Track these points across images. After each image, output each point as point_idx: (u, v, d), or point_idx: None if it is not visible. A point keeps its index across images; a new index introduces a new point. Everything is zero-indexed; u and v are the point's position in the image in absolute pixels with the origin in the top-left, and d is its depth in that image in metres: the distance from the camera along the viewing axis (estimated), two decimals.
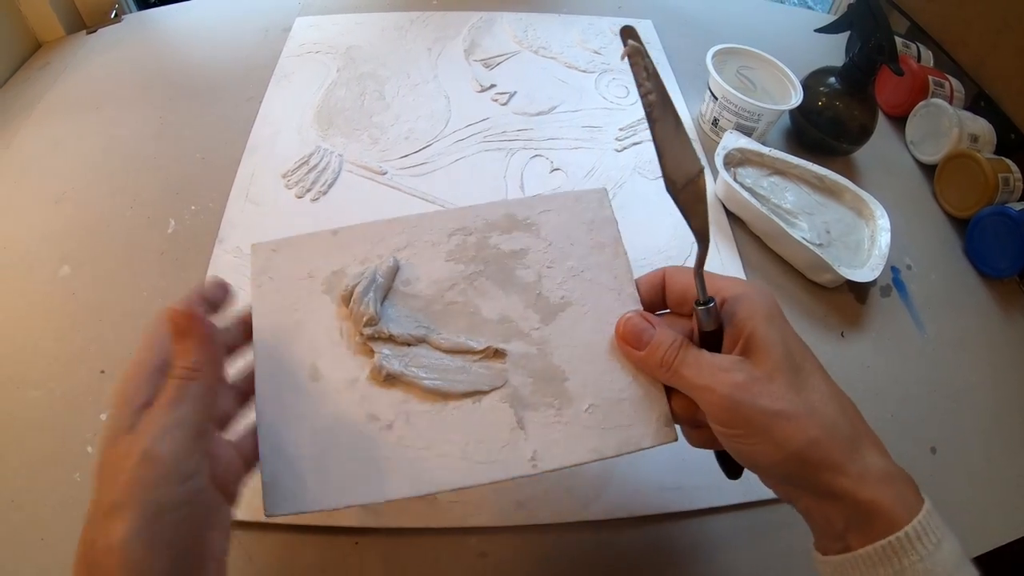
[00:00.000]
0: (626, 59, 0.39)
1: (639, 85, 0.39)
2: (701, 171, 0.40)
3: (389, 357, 0.43)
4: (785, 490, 0.40)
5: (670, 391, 0.43)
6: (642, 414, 0.43)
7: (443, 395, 0.43)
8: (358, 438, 0.41)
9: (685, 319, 0.45)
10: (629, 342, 0.42)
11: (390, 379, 0.43)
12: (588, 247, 0.49)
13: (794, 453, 0.36)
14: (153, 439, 0.32)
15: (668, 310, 0.47)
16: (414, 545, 0.54)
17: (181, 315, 0.36)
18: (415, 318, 0.45)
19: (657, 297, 0.46)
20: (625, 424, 0.43)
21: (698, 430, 0.44)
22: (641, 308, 0.45)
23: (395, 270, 0.47)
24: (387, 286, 0.46)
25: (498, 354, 0.44)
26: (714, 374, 0.38)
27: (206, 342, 0.36)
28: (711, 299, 0.40)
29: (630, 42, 0.39)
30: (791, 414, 0.36)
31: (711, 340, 0.41)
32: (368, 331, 0.43)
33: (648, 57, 0.39)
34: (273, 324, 0.44)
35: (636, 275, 0.47)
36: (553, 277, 0.47)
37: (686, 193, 0.40)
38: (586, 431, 0.42)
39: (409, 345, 0.44)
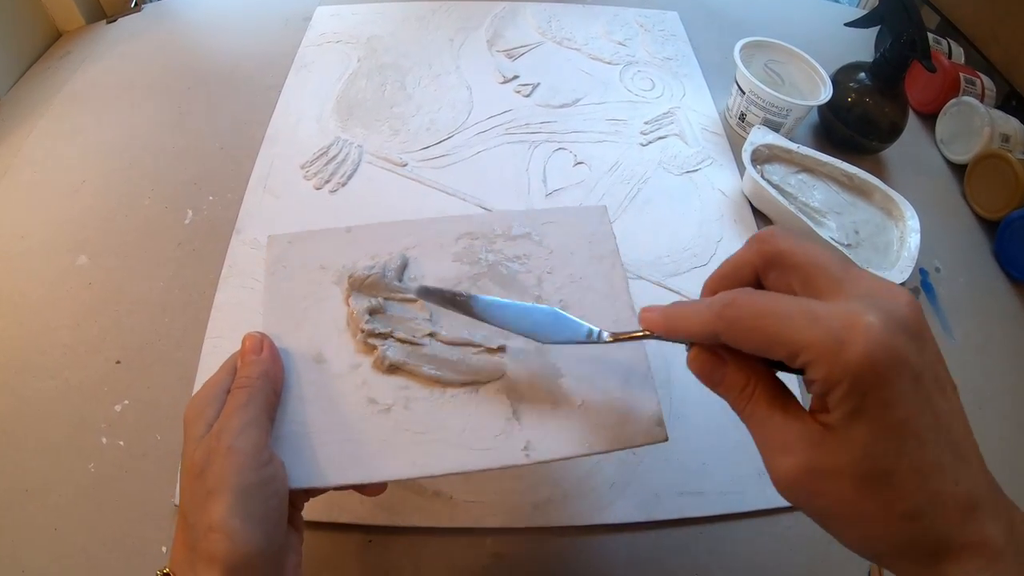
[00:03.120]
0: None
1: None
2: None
3: (392, 347, 0.45)
4: None
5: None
6: (634, 413, 0.43)
7: (443, 383, 0.44)
8: (356, 420, 0.43)
9: None
10: (703, 381, 0.36)
11: (392, 368, 0.44)
12: (587, 258, 0.51)
13: (861, 549, 0.32)
14: (234, 436, 0.37)
15: None
16: (428, 544, 0.53)
17: (252, 336, 0.44)
18: (418, 315, 0.47)
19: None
20: (617, 422, 0.43)
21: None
22: (635, 315, 0.42)
23: (403, 266, 0.49)
24: (395, 279, 0.48)
25: (498, 349, 0.46)
26: (774, 446, 0.32)
27: (265, 360, 0.43)
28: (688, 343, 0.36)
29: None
30: (852, 519, 0.31)
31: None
32: (367, 327, 0.45)
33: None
34: (283, 310, 0.47)
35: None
36: (552, 282, 0.49)
37: None
38: (579, 426, 0.43)
39: (412, 343, 0.45)
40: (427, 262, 0.50)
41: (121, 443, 0.56)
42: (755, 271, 0.35)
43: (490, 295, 0.46)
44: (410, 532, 0.53)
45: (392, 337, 0.45)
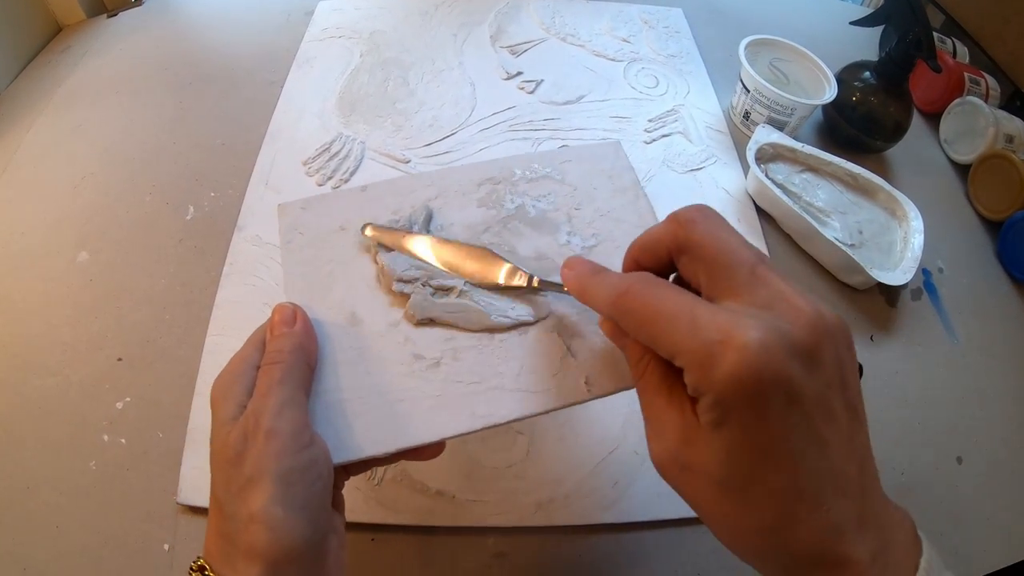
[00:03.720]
0: None
1: None
2: None
3: (423, 302, 0.43)
4: None
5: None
6: None
7: (489, 329, 0.43)
8: (405, 378, 0.41)
9: None
10: (609, 338, 0.38)
11: (427, 320, 0.43)
12: (610, 191, 0.51)
13: (735, 552, 0.32)
14: (272, 418, 0.35)
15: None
16: (431, 543, 0.53)
17: (284, 307, 0.41)
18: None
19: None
20: None
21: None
22: None
23: (429, 217, 0.48)
24: (423, 231, 0.47)
25: (539, 287, 0.44)
26: (653, 426, 0.33)
27: (298, 333, 0.40)
28: None
29: None
30: (714, 518, 0.31)
31: None
32: (398, 287, 0.43)
33: None
34: (306, 277, 0.45)
35: None
36: (582, 217, 0.49)
37: None
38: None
39: (446, 291, 0.44)
40: (451, 211, 0.49)
41: (122, 441, 0.56)
42: (669, 252, 0.35)
43: (523, 236, 0.47)
44: (413, 531, 0.53)
45: (430, 285, 0.44)
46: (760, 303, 0.30)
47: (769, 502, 0.29)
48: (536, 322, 0.43)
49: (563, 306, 0.44)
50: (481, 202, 0.49)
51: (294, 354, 0.38)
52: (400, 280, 0.43)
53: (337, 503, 0.40)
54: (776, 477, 0.29)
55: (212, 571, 0.34)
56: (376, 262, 0.45)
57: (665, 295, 0.31)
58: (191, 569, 0.34)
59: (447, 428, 0.39)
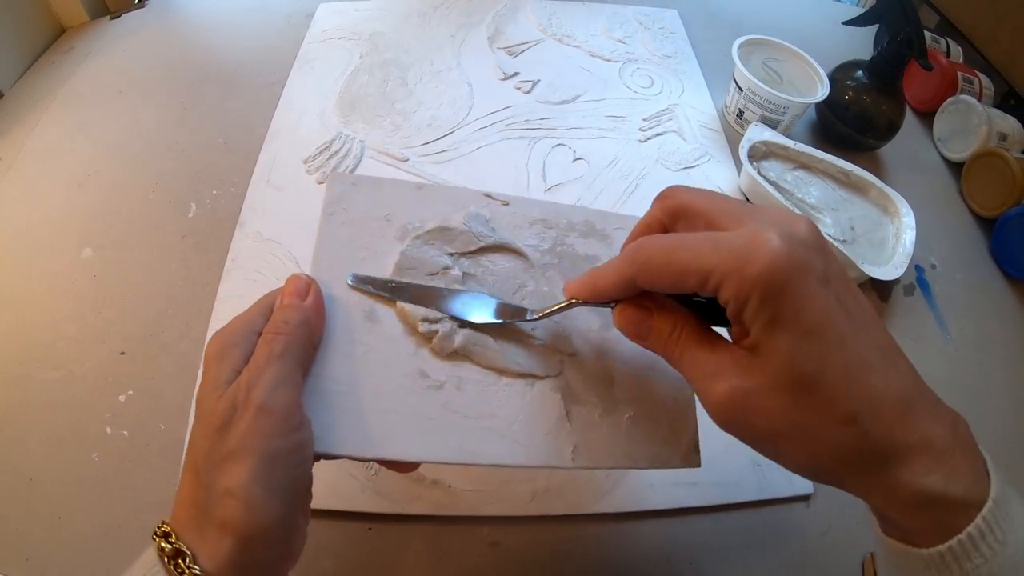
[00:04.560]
0: None
1: None
2: None
3: (450, 334, 0.42)
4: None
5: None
6: (674, 435, 0.43)
7: (499, 370, 0.42)
8: (404, 391, 0.40)
9: None
10: (631, 336, 0.37)
11: (452, 354, 0.42)
12: None
13: (807, 468, 0.33)
14: (266, 393, 0.34)
15: None
16: (427, 532, 0.54)
17: (298, 277, 0.40)
18: (485, 293, 0.45)
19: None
20: (659, 440, 0.42)
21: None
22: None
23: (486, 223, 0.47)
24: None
25: (561, 349, 0.44)
26: (705, 378, 0.33)
27: (308, 308, 0.39)
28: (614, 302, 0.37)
29: None
30: (791, 434, 0.31)
31: (716, 312, 0.35)
32: (425, 328, 0.42)
33: None
34: (337, 257, 0.43)
35: None
36: None
37: None
38: (624, 438, 0.42)
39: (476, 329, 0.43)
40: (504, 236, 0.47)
41: (125, 433, 0.57)
42: (663, 228, 0.36)
43: (555, 288, 0.46)
44: (409, 520, 0.54)
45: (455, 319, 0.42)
46: (762, 220, 0.31)
47: (842, 381, 0.30)
48: (544, 378, 0.43)
49: (574, 372, 0.43)
50: (527, 242, 0.47)
51: (300, 328, 0.37)
52: (426, 320, 0.42)
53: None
54: (840, 354, 0.30)
55: (179, 538, 0.33)
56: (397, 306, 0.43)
57: (679, 235, 0.33)
58: (154, 534, 0.33)
59: (429, 453, 0.39)
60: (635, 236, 0.38)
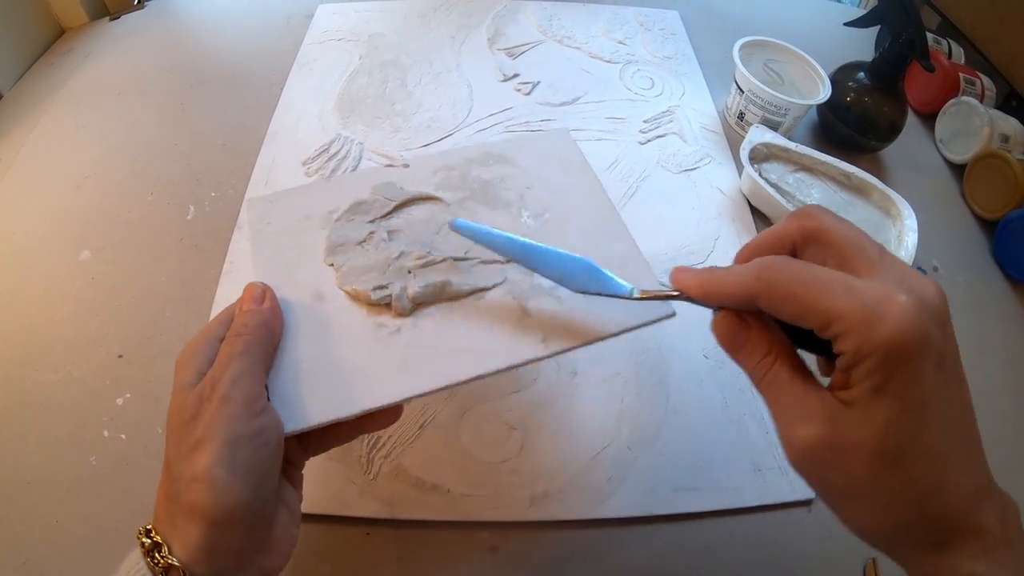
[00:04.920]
0: None
1: None
2: None
3: (402, 295, 0.44)
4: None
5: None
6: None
7: (449, 298, 0.45)
8: (368, 346, 0.42)
9: None
10: (724, 345, 0.36)
11: (418, 305, 0.45)
12: (561, 171, 0.54)
13: (866, 532, 0.32)
14: (228, 386, 0.36)
15: None
16: (425, 538, 0.54)
17: (254, 285, 0.43)
18: (420, 242, 0.48)
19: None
20: (623, 308, 0.44)
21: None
22: (619, 216, 0.48)
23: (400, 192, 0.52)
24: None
25: (493, 260, 0.47)
26: (792, 418, 0.32)
27: (265, 311, 0.41)
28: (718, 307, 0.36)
29: None
30: (862, 498, 0.31)
31: (817, 341, 0.32)
32: (378, 296, 0.44)
33: None
34: (273, 260, 0.47)
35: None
36: (534, 195, 0.52)
37: None
38: (587, 316, 0.44)
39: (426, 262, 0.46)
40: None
41: (122, 436, 0.57)
42: (793, 245, 0.35)
43: (477, 215, 0.50)
44: (408, 525, 0.54)
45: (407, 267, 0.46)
46: (896, 277, 0.30)
47: (925, 466, 0.29)
48: (492, 288, 0.46)
49: (515, 273, 0.46)
50: (438, 186, 0.52)
51: (259, 329, 0.40)
52: (378, 288, 0.45)
53: (294, 481, 0.42)
54: (931, 439, 0.29)
55: (157, 532, 0.35)
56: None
57: (812, 266, 0.31)
58: (139, 533, 0.35)
59: (407, 388, 0.40)
60: (763, 248, 0.36)
